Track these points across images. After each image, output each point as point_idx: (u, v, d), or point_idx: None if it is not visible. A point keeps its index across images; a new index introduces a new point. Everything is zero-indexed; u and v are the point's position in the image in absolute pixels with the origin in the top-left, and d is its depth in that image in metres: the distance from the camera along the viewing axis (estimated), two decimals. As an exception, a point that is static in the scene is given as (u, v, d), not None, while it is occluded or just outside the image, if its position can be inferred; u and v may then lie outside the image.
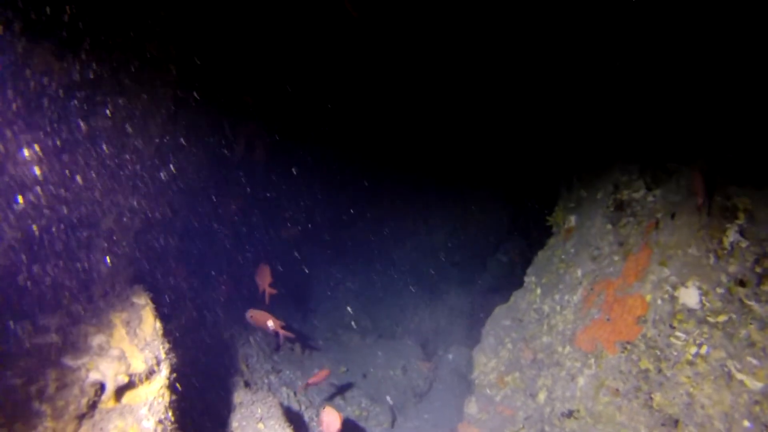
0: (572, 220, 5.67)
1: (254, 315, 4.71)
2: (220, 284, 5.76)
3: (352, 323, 7.92)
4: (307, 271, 8.49)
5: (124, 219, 2.82)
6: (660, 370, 3.52)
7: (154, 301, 2.65)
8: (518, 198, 9.65)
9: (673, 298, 3.53)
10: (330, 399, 5.73)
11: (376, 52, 6.92)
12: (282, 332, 4.69)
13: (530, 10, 5.97)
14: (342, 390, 6.01)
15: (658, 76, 4.83)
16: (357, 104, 7.86)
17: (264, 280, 5.22)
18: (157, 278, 3.30)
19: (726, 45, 4.09)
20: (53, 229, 2.36)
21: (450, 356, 7.54)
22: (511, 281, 9.67)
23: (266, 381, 5.01)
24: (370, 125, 8.32)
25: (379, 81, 7.63)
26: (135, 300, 2.57)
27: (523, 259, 9.73)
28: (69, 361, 2.29)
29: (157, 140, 2.88)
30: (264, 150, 6.07)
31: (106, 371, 2.33)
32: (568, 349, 4.53)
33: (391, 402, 6.37)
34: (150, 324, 2.47)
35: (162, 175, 3.13)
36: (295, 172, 7.02)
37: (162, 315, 2.65)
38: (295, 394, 5.13)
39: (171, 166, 3.24)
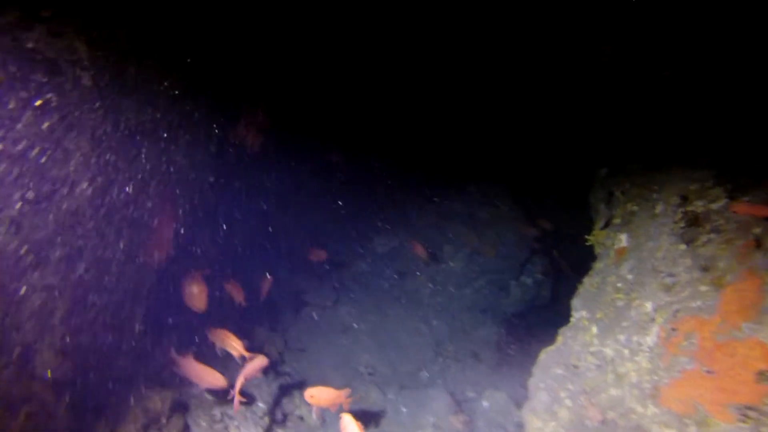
0: (623, 239, 4.75)
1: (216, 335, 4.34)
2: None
3: (368, 373, 6.91)
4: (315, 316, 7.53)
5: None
6: (807, 450, 2.56)
7: None
8: (537, 216, 8.80)
9: (816, 348, 2.59)
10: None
11: (380, 57, 6.09)
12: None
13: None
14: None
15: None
16: (365, 121, 7.01)
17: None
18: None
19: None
20: None
21: (485, 403, 6.53)
22: (536, 304, 8.78)
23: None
24: (380, 145, 7.45)
25: (389, 94, 6.81)
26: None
27: (548, 280, 8.86)
28: None
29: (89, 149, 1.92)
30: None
31: None
32: (651, 409, 3.54)
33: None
34: None
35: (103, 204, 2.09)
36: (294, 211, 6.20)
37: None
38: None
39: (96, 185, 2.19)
